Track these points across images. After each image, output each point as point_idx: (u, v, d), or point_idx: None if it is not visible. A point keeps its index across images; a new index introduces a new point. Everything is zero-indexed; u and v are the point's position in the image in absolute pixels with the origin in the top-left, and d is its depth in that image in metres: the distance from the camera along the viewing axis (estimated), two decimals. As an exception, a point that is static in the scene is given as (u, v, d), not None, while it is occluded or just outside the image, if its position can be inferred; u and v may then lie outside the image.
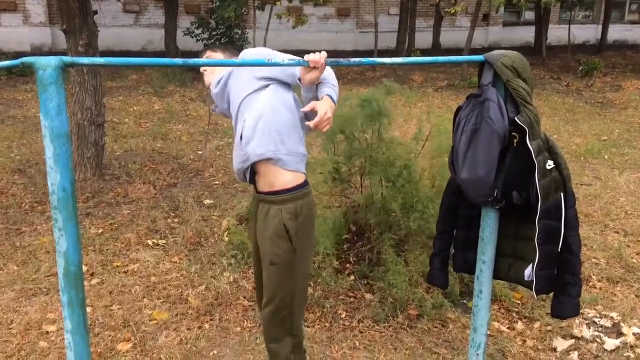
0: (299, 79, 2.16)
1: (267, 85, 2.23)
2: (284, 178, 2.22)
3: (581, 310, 3.41)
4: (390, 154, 3.60)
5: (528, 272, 2.23)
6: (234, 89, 2.31)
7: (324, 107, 2.07)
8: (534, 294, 2.22)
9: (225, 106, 2.40)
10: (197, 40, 13.83)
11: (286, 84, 2.27)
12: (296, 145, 2.24)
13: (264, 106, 2.20)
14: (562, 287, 2.26)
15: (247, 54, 2.28)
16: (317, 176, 3.73)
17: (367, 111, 3.55)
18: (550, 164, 2.12)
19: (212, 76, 2.43)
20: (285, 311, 2.29)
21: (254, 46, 12.14)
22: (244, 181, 2.35)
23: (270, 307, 2.29)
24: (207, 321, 3.29)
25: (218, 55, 2.47)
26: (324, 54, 2.03)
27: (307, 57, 2.01)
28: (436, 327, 3.25)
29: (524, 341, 3.15)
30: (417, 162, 3.76)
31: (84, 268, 3.84)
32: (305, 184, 2.28)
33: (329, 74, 2.19)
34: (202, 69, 2.48)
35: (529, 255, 2.20)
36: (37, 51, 14.33)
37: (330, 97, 2.14)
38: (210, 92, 2.42)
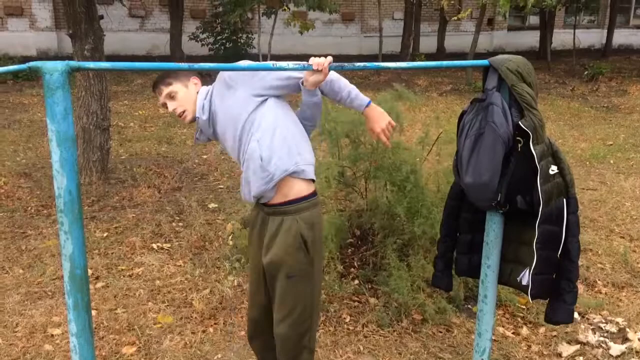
0: (302, 83, 2.16)
1: (266, 100, 2.14)
2: (299, 187, 2.16)
3: (587, 316, 3.40)
4: (397, 159, 3.60)
5: (524, 275, 2.23)
6: (229, 110, 2.16)
7: (379, 114, 2.19)
8: (529, 298, 2.22)
9: (210, 131, 2.25)
10: (203, 45, 13.89)
11: (279, 97, 2.19)
12: (310, 155, 2.22)
13: (274, 121, 2.13)
14: (558, 293, 2.25)
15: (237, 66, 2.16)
16: (322, 180, 3.73)
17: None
18: (553, 169, 2.12)
19: (180, 103, 2.21)
20: (305, 325, 2.22)
21: (259, 51, 12.18)
22: (256, 200, 2.21)
23: (287, 321, 2.21)
24: (211, 325, 3.29)
25: (176, 86, 2.21)
26: (329, 58, 2.02)
27: (312, 60, 2.02)
28: (441, 332, 3.25)
29: (529, 346, 3.14)
30: (423, 166, 3.76)
31: (89, 272, 3.85)
32: (315, 192, 2.24)
33: (339, 78, 2.19)
34: (161, 101, 2.23)
35: (528, 259, 2.20)
36: (44, 55, 14.43)
37: (369, 103, 2.21)
38: (186, 120, 2.22)
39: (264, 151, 2.10)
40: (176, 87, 2.21)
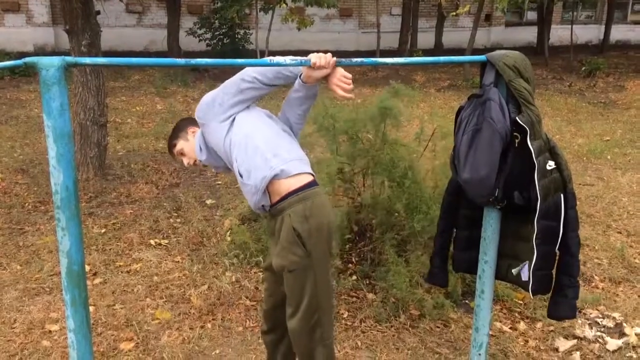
0: (301, 79, 2.15)
1: (234, 119, 2.22)
2: (287, 183, 2.17)
3: (584, 311, 3.41)
4: (395, 155, 3.60)
5: (524, 271, 2.23)
6: (214, 144, 2.30)
7: (333, 72, 2.09)
8: (530, 294, 2.22)
9: (222, 163, 2.37)
10: (200, 41, 13.84)
11: (248, 107, 2.26)
12: (290, 151, 2.21)
13: (244, 135, 2.19)
14: (559, 288, 2.26)
15: (200, 104, 2.27)
16: (320, 176, 3.73)
17: (379, 114, 3.54)
18: (551, 165, 2.12)
19: (189, 155, 2.42)
20: (314, 319, 2.22)
21: (256, 47, 12.15)
22: (265, 211, 2.28)
23: (297, 316, 2.22)
24: (209, 321, 3.30)
25: (180, 144, 2.43)
26: (329, 55, 2.03)
27: (314, 56, 2.02)
28: (438, 327, 3.26)
29: (526, 341, 3.15)
30: (420, 162, 3.77)
31: (87, 268, 3.85)
32: (312, 184, 2.20)
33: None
34: (177, 157, 2.47)
35: (526, 255, 2.20)
36: (40, 51, 14.37)
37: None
38: (201, 165, 2.43)
39: (241, 167, 2.20)
40: (180, 144, 2.42)
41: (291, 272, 2.18)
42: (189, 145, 2.40)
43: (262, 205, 2.24)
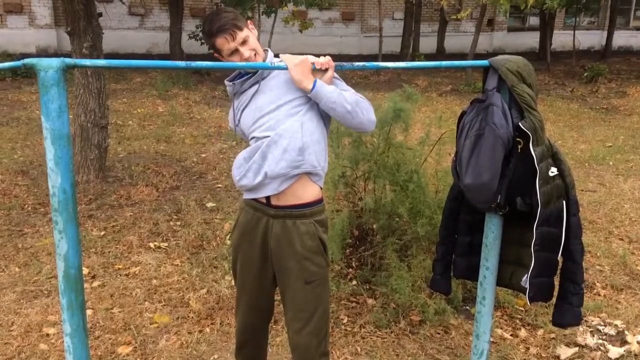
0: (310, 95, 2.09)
1: (315, 103, 2.08)
2: (314, 191, 2.12)
3: (585, 318, 3.38)
4: (399, 159, 3.58)
5: (525, 278, 2.22)
6: (284, 79, 2.08)
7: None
8: (528, 301, 2.21)
9: (258, 78, 2.14)
10: (202, 44, 13.86)
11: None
12: (326, 163, 2.18)
13: (319, 119, 2.11)
14: (564, 296, 2.24)
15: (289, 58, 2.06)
16: (326, 181, 3.71)
17: (394, 116, 3.52)
18: (553, 171, 2.10)
19: (252, 46, 2.10)
20: (324, 330, 2.17)
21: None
22: (254, 186, 2.09)
23: (307, 329, 2.13)
24: (208, 325, 3.27)
25: (245, 31, 2.10)
26: (328, 57, 2.02)
27: (313, 59, 2.00)
28: (438, 334, 3.23)
29: (527, 348, 3.13)
30: (424, 167, 3.75)
31: (86, 270, 3.83)
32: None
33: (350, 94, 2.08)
34: (233, 46, 2.08)
35: (530, 262, 2.18)
36: (43, 53, 14.40)
37: (322, 85, 2.00)
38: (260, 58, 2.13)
39: (305, 136, 2.04)
40: (245, 32, 2.09)
41: (310, 283, 2.11)
42: (254, 38, 2.11)
43: (273, 181, 2.05)
